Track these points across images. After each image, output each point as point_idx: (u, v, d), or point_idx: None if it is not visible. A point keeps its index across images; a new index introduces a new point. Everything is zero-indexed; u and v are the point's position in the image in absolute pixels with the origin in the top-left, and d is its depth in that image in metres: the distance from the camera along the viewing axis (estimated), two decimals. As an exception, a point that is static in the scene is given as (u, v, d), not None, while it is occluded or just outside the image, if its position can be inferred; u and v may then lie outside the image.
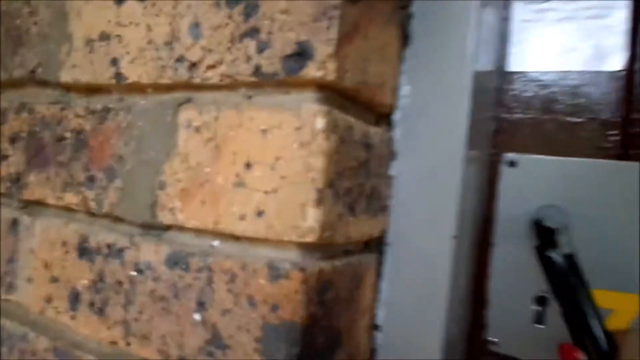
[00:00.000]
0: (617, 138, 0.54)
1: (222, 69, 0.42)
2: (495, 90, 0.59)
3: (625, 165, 0.53)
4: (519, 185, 0.57)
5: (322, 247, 0.40)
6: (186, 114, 0.43)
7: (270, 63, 0.39)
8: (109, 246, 0.47)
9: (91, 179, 0.49)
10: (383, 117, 0.50)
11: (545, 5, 0.57)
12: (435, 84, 0.49)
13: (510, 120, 0.58)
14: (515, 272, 0.57)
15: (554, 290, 0.46)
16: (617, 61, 0.54)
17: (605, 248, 0.52)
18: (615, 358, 0.42)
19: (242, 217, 0.40)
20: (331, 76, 0.38)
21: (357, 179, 0.43)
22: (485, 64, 0.55)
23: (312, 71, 0.38)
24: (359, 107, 0.44)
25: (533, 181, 0.56)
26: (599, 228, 0.53)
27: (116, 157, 0.47)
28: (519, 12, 0.58)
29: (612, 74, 0.54)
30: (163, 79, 0.45)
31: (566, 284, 0.45)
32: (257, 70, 0.40)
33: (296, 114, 0.38)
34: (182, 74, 0.44)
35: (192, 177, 0.42)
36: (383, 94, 0.47)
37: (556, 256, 0.46)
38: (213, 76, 0.42)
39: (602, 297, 0.51)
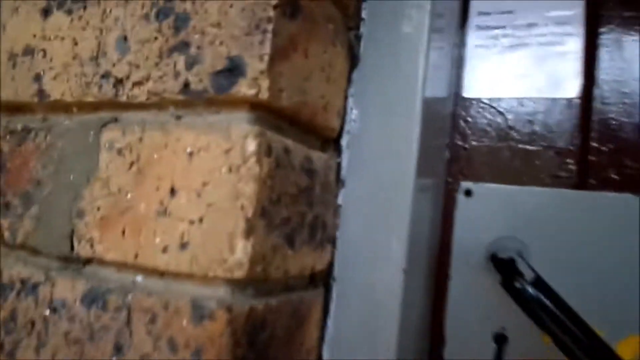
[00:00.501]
0: (574, 167, 0.52)
1: (149, 85, 0.38)
2: (449, 116, 0.57)
3: (583, 194, 0.51)
4: (475, 215, 0.54)
5: (254, 283, 0.36)
6: (109, 135, 0.39)
7: (199, 80, 0.36)
8: (22, 281, 0.42)
9: (7, 206, 0.44)
10: (329, 141, 0.47)
11: (498, 31, 0.56)
12: (385, 108, 0.46)
13: (466, 147, 0.56)
14: (473, 307, 0.54)
15: (539, 323, 0.43)
16: (572, 88, 0.52)
17: (561, 278, 0.50)
18: None
19: (165, 250, 0.36)
20: (264, 94, 0.34)
21: (296, 207, 0.40)
22: (438, 89, 0.53)
23: (243, 89, 0.35)
24: (300, 130, 0.41)
25: (489, 211, 0.54)
26: (555, 259, 0.51)
27: (34, 181, 0.43)
28: (472, 38, 0.57)
29: (568, 101, 0.52)
30: (87, 97, 0.41)
31: (547, 309, 0.42)
32: (185, 88, 0.37)
33: (225, 135, 0.35)
34: (107, 91, 0.40)
35: (113, 204, 0.38)
36: (327, 117, 0.44)
37: (525, 285, 0.43)
38: (139, 94, 0.39)
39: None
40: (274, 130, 0.37)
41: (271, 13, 0.34)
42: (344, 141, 0.47)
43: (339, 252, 0.47)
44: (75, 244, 0.40)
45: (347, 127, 0.47)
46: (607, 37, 0.52)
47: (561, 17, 0.54)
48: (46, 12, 0.44)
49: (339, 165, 0.47)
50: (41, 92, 0.43)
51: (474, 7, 0.57)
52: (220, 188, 0.34)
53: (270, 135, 0.36)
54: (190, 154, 0.36)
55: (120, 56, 0.40)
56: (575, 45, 0.53)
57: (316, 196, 0.43)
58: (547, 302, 0.43)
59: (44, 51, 0.44)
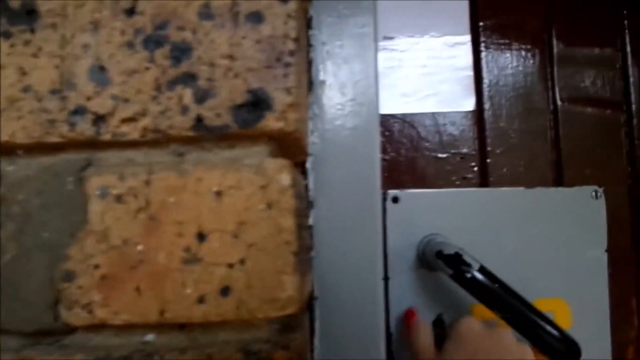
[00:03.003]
0: (476, 169, 0.62)
1: (145, 122, 0.34)
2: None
3: (485, 191, 0.61)
4: (403, 219, 0.61)
5: (288, 318, 0.36)
6: (99, 180, 0.34)
7: (217, 114, 0.34)
8: (-23, 372, 0.34)
9: None
10: (297, 165, 0.47)
11: (405, 54, 0.63)
12: (343, 128, 0.49)
13: (386, 159, 0.62)
14: (412, 301, 0.60)
15: (490, 305, 0.50)
16: (468, 102, 0.62)
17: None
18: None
19: (201, 300, 0.33)
20: (291, 127, 0.34)
21: (302, 233, 0.40)
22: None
23: (271, 122, 0.34)
24: (287, 157, 0.42)
25: (415, 214, 0.61)
26: (471, 248, 0.60)
27: (-19, 246, 0.34)
28: (381, 60, 0.63)
29: (466, 113, 0.62)
30: (52, 137, 0.35)
31: (496, 294, 0.49)
32: (198, 123, 0.34)
33: (259, 171, 0.34)
34: (84, 129, 0.34)
35: (117, 259, 0.33)
36: (307, 142, 0.45)
37: (477, 273, 0.50)
38: (130, 131, 0.35)
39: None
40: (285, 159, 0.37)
41: (292, 46, 0.34)
42: (308, 163, 0.48)
43: (316, 270, 0.48)
44: (63, 313, 0.34)
45: (310, 150, 0.48)
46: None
47: (452, 41, 0.63)
48: (-35, 35, 0.36)
49: (306, 187, 0.48)
50: (-27, 134, 0.35)
51: (379, 32, 0.63)
52: (260, 226, 0.33)
53: (292, 166, 0.36)
54: (218, 193, 0.33)
55: (99, 88, 0.35)
56: (466, 66, 0.63)
57: (305, 221, 0.43)
58: (494, 287, 0.51)
59: (-30, 83, 0.35)
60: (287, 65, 0.34)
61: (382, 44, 0.63)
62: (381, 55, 0.63)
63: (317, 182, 0.49)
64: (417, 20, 0.63)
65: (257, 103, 0.34)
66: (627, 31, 0.63)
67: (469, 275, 0.51)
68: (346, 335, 0.47)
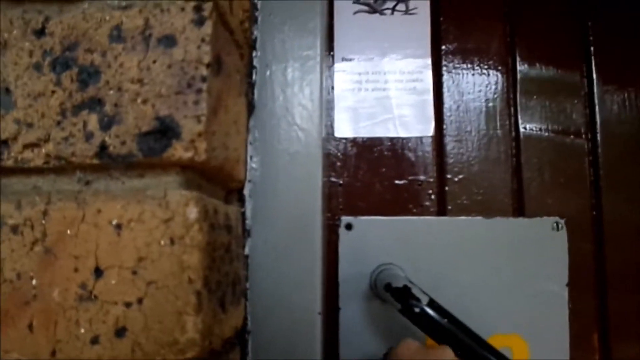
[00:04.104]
0: (434, 197, 0.60)
1: (48, 148, 0.33)
2: (324, 155, 0.60)
3: (443, 220, 0.59)
4: (356, 247, 0.58)
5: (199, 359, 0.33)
6: (-5, 209, 0.32)
7: (121, 142, 0.32)
8: None
9: None
10: (232, 192, 0.45)
11: (363, 77, 0.61)
12: (285, 154, 0.47)
13: (341, 184, 0.60)
14: (363, 333, 0.57)
15: (440, 341, 0.47)
16: (428, 128, 0.60)
17: (434, 294, 0.56)
18: None
19: (95, 340, 0.31)
20: (202, 157, 0.32)
21: (224, 268, 0.38)
22: (322, 129, 0.56)
23: (179, 152, 0.32)
24: (215, 185, 0.40)
25: (369, 242, 0.58)
26: (427, 278, 0.57)
27: None
28: (339, 82, 0.61)
29: (425, 139, 0.60)
30: (-49, 162, 0.33)
31: (446, 329, 0.47)
32: (102, 151, 0.32)
33: (162, 204, 0.32)
34: (-16, 155, 0.33)
35: (10, 294, 0.31)
36: (240, 169, 0.43)
37: (424, 309, 0.48)
38: (34, 157, 0.33)
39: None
40: (201, 190, 0.35)
41: (204, 72, 0.33)
42: (246, 190, 0.46)
43: (250, 304, 0.46)
44: (-50, 349, 0.32)
45: (248, 176, 0.47)
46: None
47: (412, 64, 0.61)
48: None
49: (243, 215, 0.46)
50: None
51: (338, 53, 0.62)
52: (161, 262, 0.31)
53: (205, 199, 0.34)
54: (118, 226, 0.31)
55: (2, 112, 0.33)
56: (427, 90, 0.61)
57: (233, 252, 0.41)
58: (444, 321, 0.48)
59: None
60: (199, 91, 0.32)
61: (340, 65, 0.61)
62: (339, 77, 0.61)
63: (255, 209, 0.47)
64: (377, 42, 0.61)
65: (165, 131, 0.32)
66: (592, 57, 0.61)
67: (417, 309, 0.49)
68: (280, 372, 0.45)
